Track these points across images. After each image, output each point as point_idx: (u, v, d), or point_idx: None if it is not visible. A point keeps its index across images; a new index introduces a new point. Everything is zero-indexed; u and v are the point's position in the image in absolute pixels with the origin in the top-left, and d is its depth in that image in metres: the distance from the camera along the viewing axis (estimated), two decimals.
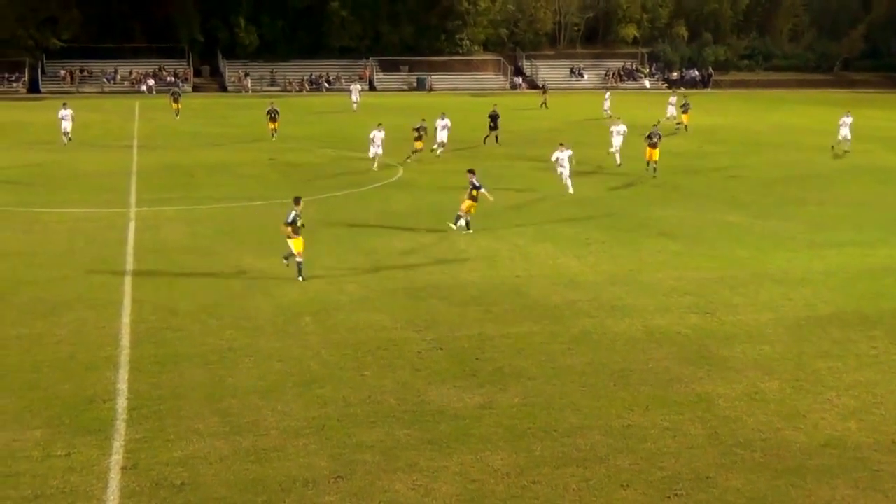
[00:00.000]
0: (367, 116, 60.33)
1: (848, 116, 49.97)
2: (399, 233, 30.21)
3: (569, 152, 37.47)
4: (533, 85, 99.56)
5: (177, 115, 68.29)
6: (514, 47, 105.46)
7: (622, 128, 44.63)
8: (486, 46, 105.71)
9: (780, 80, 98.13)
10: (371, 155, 43.03)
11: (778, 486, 14.02)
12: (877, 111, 61.77)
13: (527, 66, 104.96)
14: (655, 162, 41.70)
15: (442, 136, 47.48)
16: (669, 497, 13.65)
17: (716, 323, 21.54)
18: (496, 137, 52.75)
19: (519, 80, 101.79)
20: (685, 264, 26.74)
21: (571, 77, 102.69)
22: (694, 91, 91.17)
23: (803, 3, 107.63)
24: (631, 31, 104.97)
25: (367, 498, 13.49)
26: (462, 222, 29.88)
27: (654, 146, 41.55)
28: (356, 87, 79.78)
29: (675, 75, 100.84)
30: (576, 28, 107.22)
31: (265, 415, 16.20)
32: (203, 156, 48.53)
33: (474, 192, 29.73)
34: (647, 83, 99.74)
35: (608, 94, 72.64)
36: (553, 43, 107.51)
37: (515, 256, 27.35)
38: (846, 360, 19.25)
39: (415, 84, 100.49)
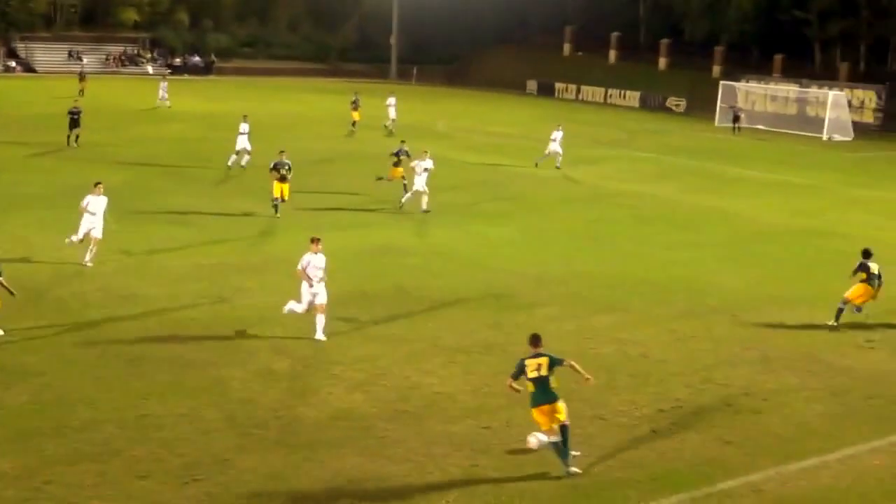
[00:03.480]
0: None
1: (559, 131, 46.76)
2: None
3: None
4: (28, 68, 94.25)
5: None
6: (7, 28, 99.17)
7: (427, 163, 34.41)
8: None
9: (281, 68, 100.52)
10: None
11: (293, 461, 14.60)
12: (371, 99, 65.26)
13: (21, 48, 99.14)
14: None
15: None
16: (188, 483, 13.73)
17: (228, 308, 21.87)
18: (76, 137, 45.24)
19: (13, 62, 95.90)
20: (197, 251, 26.81)
21: (70, 60, 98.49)
22: (197, 77, 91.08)
23: None
24: (131, 15, 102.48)
25: None
26: None
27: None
28: None
29: (178, 61, 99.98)
30: (72, 9, 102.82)
31: None
32: None
33: None
34: (149, 69, 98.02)
35: (164, 83, 65.69)
36: (49, 24, 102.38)
37: (18, 248, 25.84)
38: (351, 336, 20.38)
39: None
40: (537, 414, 14.76)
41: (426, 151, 34.15)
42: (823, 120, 71.63)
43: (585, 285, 25.34)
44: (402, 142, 38.00)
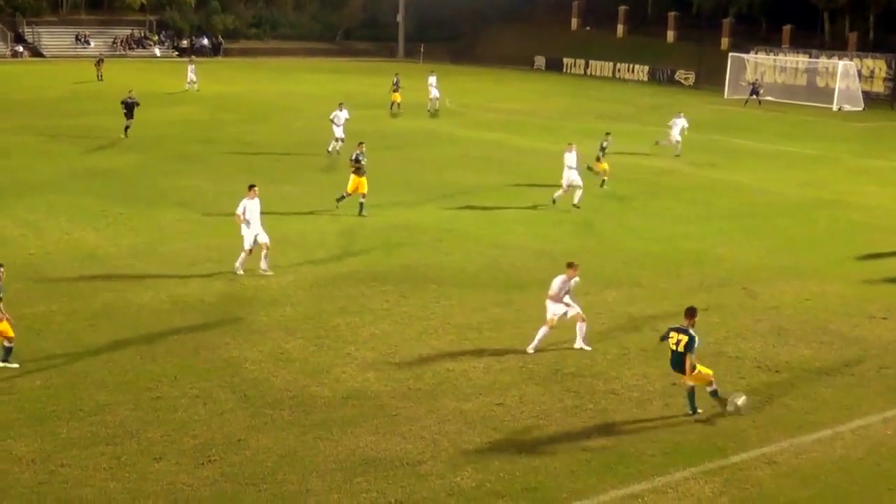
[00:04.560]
0: None
1: (680, 117, 43.74)
2: None
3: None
4: (35, 52, 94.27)
5: None
6: (14, 12, 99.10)
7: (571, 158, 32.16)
8: None
9: (288, 48, 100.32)
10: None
11: (306, 440, 14.66)
12: (377, 78, 65.15)
13: (28, 32, 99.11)
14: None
15: None
16: (203, 464, 13.80)
17: (238, 288, 21.92)
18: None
19: (20, 47, 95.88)
20: (205, 233, 26.84)
21: (77, 44, 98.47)
22: (205, 59, 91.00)
23: None
24: None
25: None
26: None
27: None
28: None
29: (185, 43, 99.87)
30: None
31: None
32: None
33: None
34: (157, 51, 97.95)
35: (191, 66, 64.33)
36: (55, 8, 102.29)
37: (28, 234, 25.97)
38: (363, 316, 20.40)
39: None
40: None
41: (571, 144, 32.40)
42: (833, 90, 71.23)
43: (596, 260, 25.28)
44: (607, 134, 36.54)
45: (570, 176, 31.44)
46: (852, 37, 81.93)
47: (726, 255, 26.64)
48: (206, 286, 21.97)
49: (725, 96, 74.07)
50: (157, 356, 17.72)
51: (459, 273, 23.92)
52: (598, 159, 35.16)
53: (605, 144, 35.63)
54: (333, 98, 47.18)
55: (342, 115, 40.10)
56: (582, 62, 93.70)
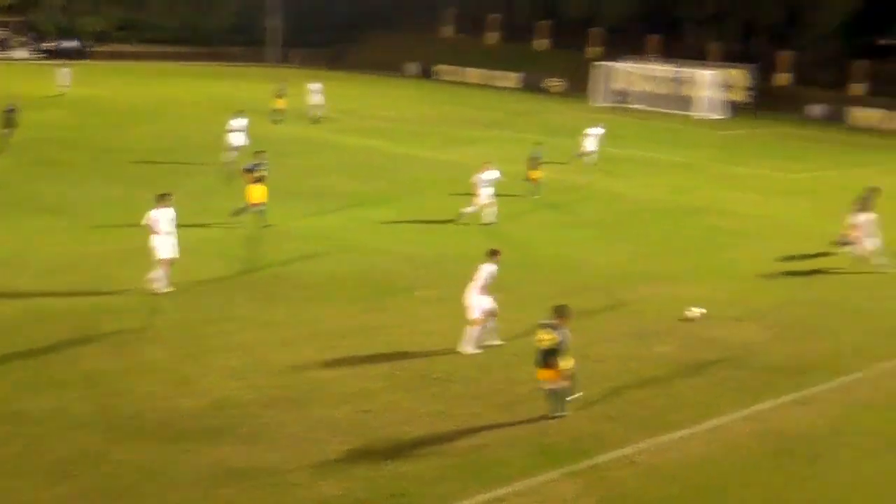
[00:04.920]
0: None
1: (597, 128, 43.84)
2: None
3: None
4: None
5: None
6: None
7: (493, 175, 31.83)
8: None
9: (157, 52, 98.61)
10: None
11: (168, 452, 14.40)
12: (247, 83, 64.64)
13: None
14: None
15: None
16: (60, 480, 13.43)
17: (104, 298, 21.42)
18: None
19: None
20: (72, 240, 26.19)
21: None
22: (72, 62, 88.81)
23: None
24: None
25: None
26: None
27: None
28: None
29: (51, 45, 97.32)
30: None
31: None
32: None
33: None
34: (22, 53, 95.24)
35: (65, 69, 62.42)
36: None
37: None
38: (230, 324, 20.17)
39: None
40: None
41: (489, 162, 32.08)
42: (697, 99, 73.36)
43: (464, 266, 25.40)
44: (538, 144, 37.23)
45: (486, 192, 30.83)
46: (716, 47, 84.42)
47: (590, 260, 27.16)
48: (69, 295, 21.41)
49: (593, 104, 75.48)
50: (13, 369, 17.20)
51: (329, 280, 23.84)
52: (531, 169, 35.50)
53: (537, 154, 35.97)
54: (205, 103, 46.63)
55: (238, 124, 38.69)
56: (455, 69, 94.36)
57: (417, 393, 17.08)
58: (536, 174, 35.46)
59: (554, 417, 16.16)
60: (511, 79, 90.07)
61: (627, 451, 15.20)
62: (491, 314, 19.27)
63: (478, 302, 19.08)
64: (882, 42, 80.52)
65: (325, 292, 22.75)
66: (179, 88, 69.53)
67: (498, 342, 19.42)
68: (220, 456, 14.36)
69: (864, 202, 28.58)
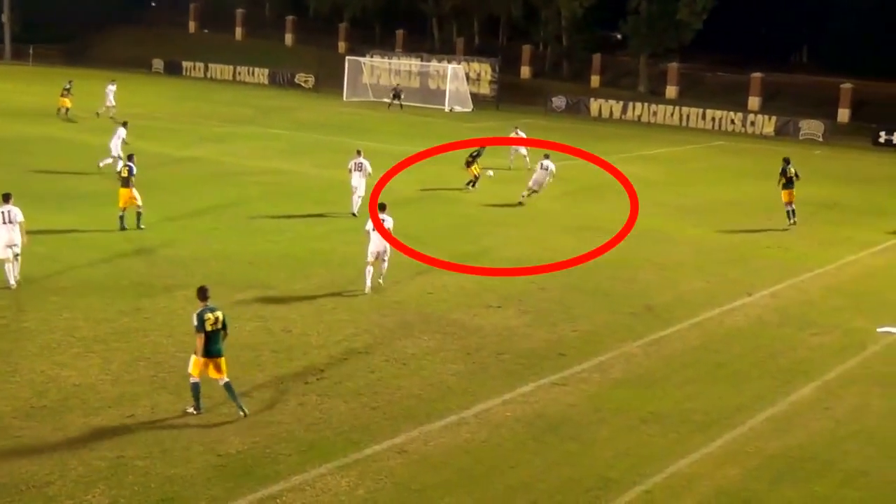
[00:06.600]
0: None
1: (518, 131, 45.81)
2: None
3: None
4: None
5: None
6: None
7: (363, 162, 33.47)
8: None
9: None
10: None
11: None
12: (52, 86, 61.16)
13: None
14: None
15: None
16: None
17: None
18: None
19: None
20: None
21: None
22: None
23: None
24: None
25: None
26: None
27: None
28: None
29: None
30: None
31: None
32: None
33: None
34: None
35: None
36: None
37: None
38: None
39: None
40: (203, 364, 15.71)
41: (359, 151, 33.87)
42: (445, 92, 74.99)
43: (226, 265, 25.19)
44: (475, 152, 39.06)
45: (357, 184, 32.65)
46: (460, 41, 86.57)
47: (352, 253, 27.32)
48: None
49: (345, 98, 75.83)
50: None
51: (84, 283, 23.01)
52: (468, 164, 38.46)
53: (475, 154, 38.87)
54: None
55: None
56: (202, 65, 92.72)
57: (181, 395, 16.73)
58: (475, 170, 38.29)
59: (244, 416, 16.04)
60: (258, 74, 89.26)
61: (398, 440, 15.46)
62: None
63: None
64: (616, 36, 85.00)
65: (80, 296, 21.92)
66: None
67: None
68: None
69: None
